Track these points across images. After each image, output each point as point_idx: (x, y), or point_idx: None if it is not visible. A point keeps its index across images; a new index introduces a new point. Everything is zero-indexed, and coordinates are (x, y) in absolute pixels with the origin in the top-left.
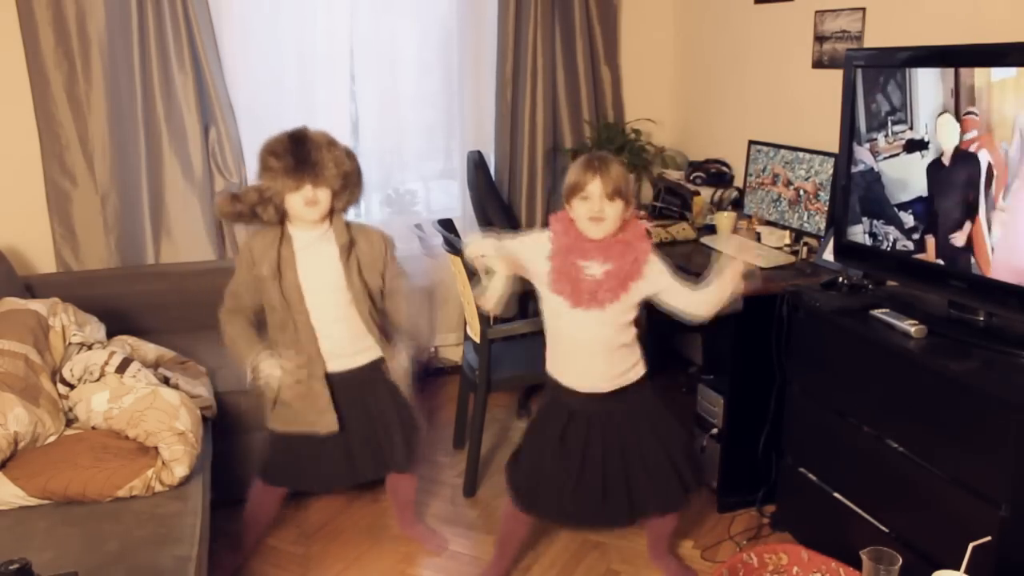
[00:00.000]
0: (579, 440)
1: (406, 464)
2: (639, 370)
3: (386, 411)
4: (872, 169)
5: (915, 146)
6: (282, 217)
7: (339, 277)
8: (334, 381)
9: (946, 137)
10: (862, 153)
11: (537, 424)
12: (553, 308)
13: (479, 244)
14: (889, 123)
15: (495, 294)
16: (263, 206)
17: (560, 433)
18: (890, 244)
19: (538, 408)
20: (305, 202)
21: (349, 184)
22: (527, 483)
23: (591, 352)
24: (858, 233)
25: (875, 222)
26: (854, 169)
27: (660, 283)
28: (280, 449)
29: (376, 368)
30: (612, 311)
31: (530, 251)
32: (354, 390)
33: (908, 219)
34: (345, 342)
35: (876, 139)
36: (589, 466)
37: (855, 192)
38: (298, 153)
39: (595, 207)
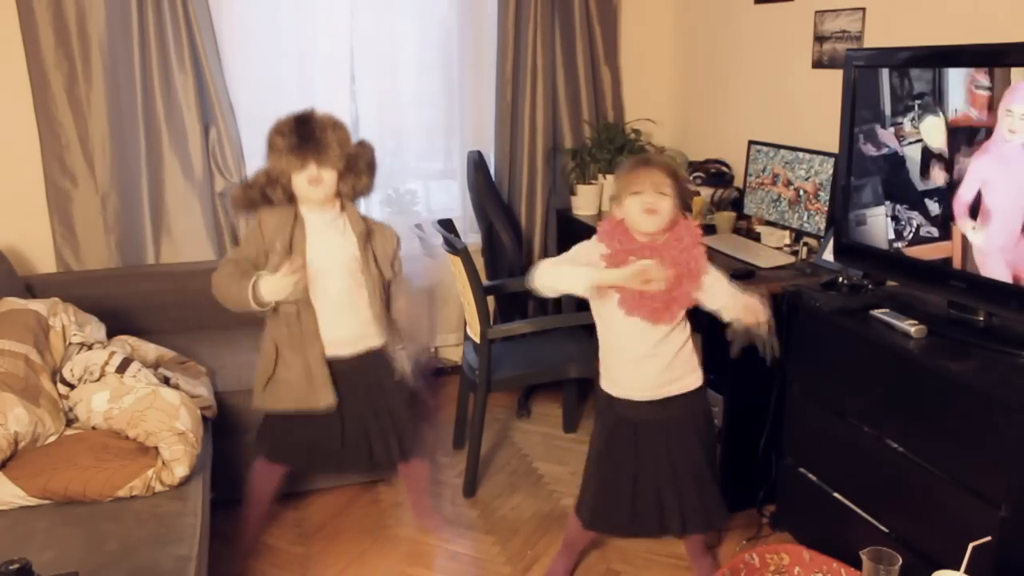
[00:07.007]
0: (627, 450)
1: (401, 457)
2: (696, 379)
3: (383, 401)
4: (896, 153)
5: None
6: (291, 197)
7: (348, 263)
8: (333, 368)
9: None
10: (886, 137)
11: (592, 442)
12: (607, 311)
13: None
14: (916, 108)
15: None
16: (272, 187)
17: (606, 444)
18: (913, 230)
19: (595, 427)
20: (309, 180)
21: (355, 168)
22: (591, 501)
23: (646, 353)
24: (879, 215)
25: (898, 206)
26: (876, 153)
27: (711, 289)
28: (282, 429)
29: (375, 356)
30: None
31: (584, 259)
32: (352, 378)
33: (933, 207)
34: (346, 330)
35: (902, 123)
36: (636, 475)
37: (877, 175)
38: (302, 132)
39: (648, 199)
